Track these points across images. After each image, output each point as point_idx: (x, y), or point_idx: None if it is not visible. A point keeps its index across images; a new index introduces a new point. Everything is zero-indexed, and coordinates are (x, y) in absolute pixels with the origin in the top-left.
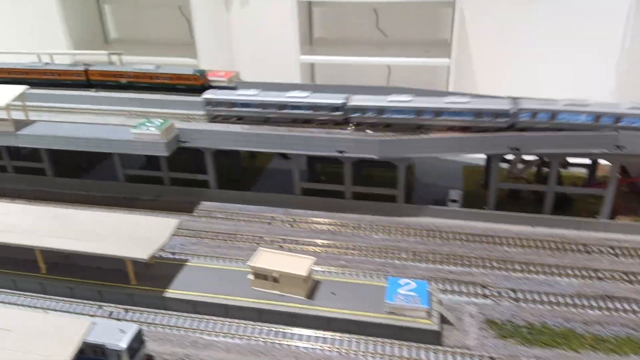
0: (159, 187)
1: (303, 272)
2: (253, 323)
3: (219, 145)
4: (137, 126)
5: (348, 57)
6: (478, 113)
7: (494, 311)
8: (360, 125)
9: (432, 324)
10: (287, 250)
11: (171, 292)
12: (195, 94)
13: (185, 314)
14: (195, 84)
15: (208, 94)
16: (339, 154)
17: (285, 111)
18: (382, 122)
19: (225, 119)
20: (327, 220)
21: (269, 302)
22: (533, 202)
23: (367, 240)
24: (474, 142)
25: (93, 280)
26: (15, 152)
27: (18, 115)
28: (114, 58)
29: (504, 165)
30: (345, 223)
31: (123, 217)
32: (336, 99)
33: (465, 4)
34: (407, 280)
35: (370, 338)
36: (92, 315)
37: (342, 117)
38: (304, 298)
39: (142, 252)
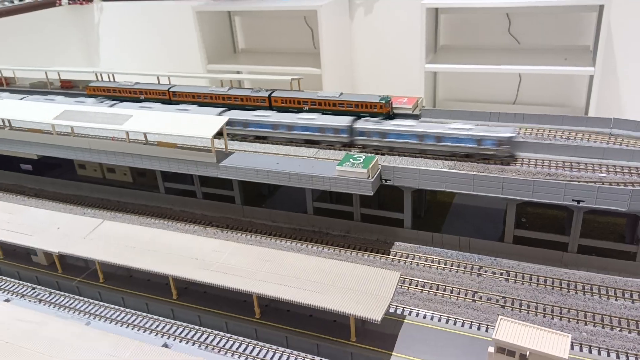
0: (348, 222)
1: (561, 354)
2: None
3: (425, 185)
4: (341, 163)
5: (476, 65)
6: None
7: None
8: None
9: None
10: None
11: (398, 356)
12: None
13: None
14: (380, 112)
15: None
16: (575, 204)
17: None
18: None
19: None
20: (546, 275)
21: None
22: None
23: (607, 307)
24: None
25: (309, 331)
26: (205, 179)
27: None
28: (294, 83)
29: None
30: (570, 281)
31: (337, 265)
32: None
33: (614, 8)
34: None
35: None
36: None
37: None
38: None
39: (373, 311)
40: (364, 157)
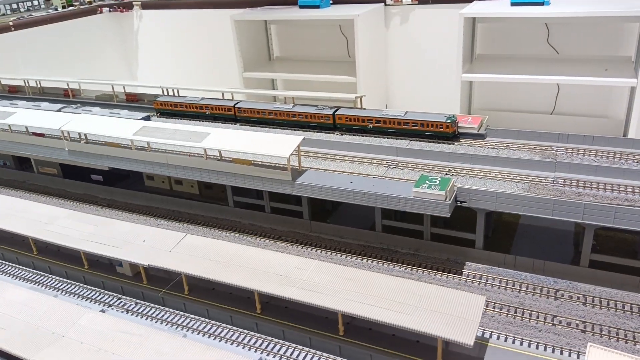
0: (417, 240)
1: None
2: None
3: (501, 208)
4: (418, 184)
5: (514, 75)
6: None
7: None
8: None
9: None
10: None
11: None
12: (446, 142)
13: None
14: (447, 132)
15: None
16: None
17: None
18: None
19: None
20: (623, 300)
21: None
22: None
23: None
24: None
25: (393, 350)
26: (273, 193)
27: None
28: (357, 101)
29: None
30: None
31: (420, 286)
32: None
33: None
34: None
35: None
36: None
37: None
38: None
39: (463, 334)
40: (439, 178)
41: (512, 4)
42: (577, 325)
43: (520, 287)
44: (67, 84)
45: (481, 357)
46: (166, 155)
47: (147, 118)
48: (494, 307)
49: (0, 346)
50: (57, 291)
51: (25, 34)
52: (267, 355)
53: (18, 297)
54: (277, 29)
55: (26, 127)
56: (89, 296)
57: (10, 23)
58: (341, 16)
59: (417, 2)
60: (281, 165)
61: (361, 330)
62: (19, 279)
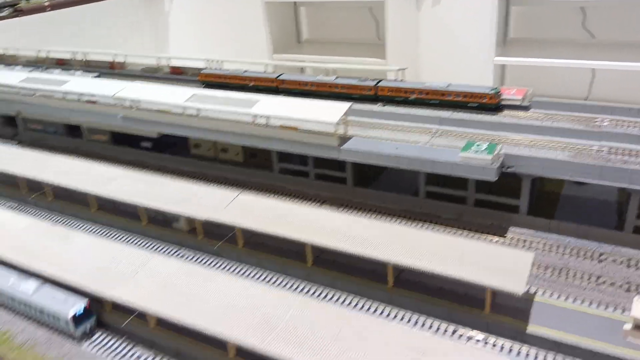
0: (460, 206)
1: None
2: None
3: (548, 173)
4: (465, 149)
5: (547, 59)
6: None
7: None
8: None
9: None
10: None
11: (534, 328)
12: (488, 113)
13: (545, 351)
14: (490, 103)
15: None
16: None
17: None
18: None
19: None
20: None
21: None
22: None
23: None
24: None
25: (442, 299)
26: (318, 160)
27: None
28: (400, 74)
29: None
30: None
31: (469, 243)
32: None
33: None
34: None
35: None
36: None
37: None
38: None
39: (514, 284)
40: (487, 144)
41: None
42: (620, 285)
43: (564, 250)
44: (113, 57)
45: (527, 309)
46: (216, 122)
47: (98, 76)
48: (538, 268)
49: (76, 283)
50: (119, 242)
51: (60, 14)
52: (321, 301)
53: (86, 244)
54: (306, 11)
55: (79, 95)
56: (150, 246)
57: (47, 3)
58: None
59: None
60: (327, 132)
61: (410, 282)
62: (83, 231)
